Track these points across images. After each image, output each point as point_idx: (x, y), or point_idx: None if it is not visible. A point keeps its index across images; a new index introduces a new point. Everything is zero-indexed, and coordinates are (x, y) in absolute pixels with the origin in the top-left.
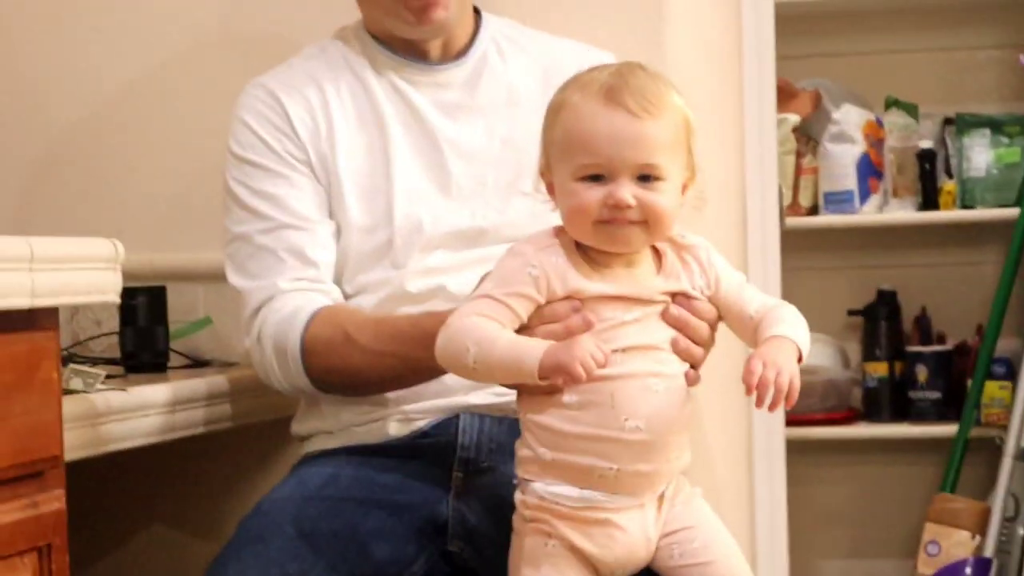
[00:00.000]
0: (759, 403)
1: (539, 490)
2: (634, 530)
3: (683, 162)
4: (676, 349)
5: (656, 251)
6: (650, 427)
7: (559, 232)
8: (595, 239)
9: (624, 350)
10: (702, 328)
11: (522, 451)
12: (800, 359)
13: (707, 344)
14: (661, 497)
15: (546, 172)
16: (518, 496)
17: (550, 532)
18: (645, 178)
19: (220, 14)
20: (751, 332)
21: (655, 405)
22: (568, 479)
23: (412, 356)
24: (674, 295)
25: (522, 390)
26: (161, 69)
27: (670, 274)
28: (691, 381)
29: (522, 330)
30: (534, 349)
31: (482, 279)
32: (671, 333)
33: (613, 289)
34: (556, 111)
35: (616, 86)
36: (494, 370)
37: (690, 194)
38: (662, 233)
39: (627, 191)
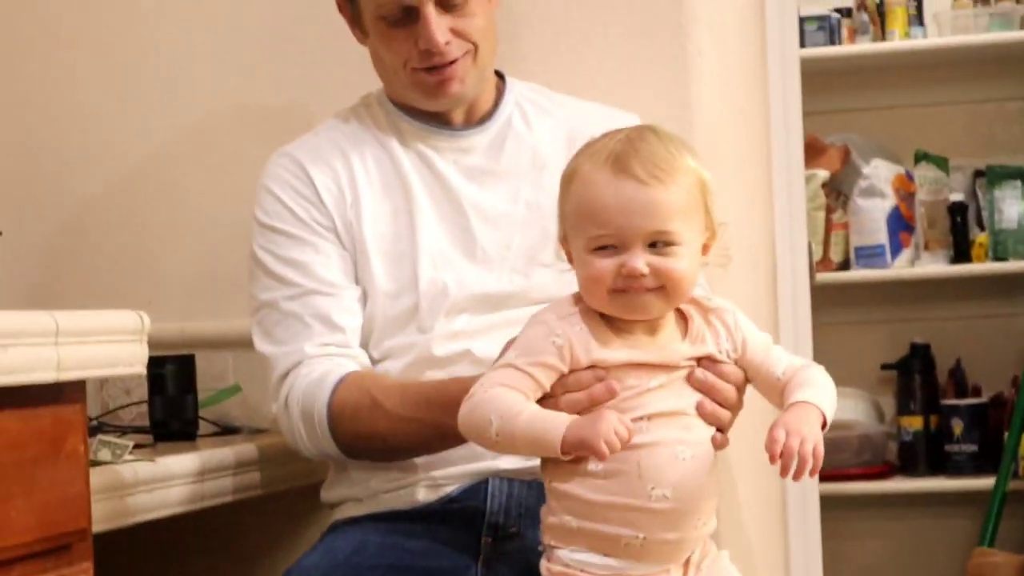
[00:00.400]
0: (783, 472)
1: (564, 557)
2: None
3: (700, 223)
4: (702, 413)
5: (682, 315)
6: (677, 495)
7: (580, 299)
8: (612, 308)
9: (649, 417)
10: (729, 391)
11: (548, 518)
12: (824, 425)
13: (735, 407)
14: (687, 562)
15: (564, 241)
16: (543, 564)
17: None
18: (659, 244)
19: (241, 86)
20: (779, 394)
21: (682, 473)
22: (594, 547)
23: (438, 422)
24: (700, 359)
25: (546, 458)
26: (184, 140)
27: (696, 338)
28: (718, 445)
29: (545, 399)
30: (557, 424)
31: (507, 345)
32: (697, 398)
33: (636, 356)
34: (568, 181)
35: (624, 153)
36: (517, 443)
37: (713, 252)
38: (680, 297)
39: (640, 260)
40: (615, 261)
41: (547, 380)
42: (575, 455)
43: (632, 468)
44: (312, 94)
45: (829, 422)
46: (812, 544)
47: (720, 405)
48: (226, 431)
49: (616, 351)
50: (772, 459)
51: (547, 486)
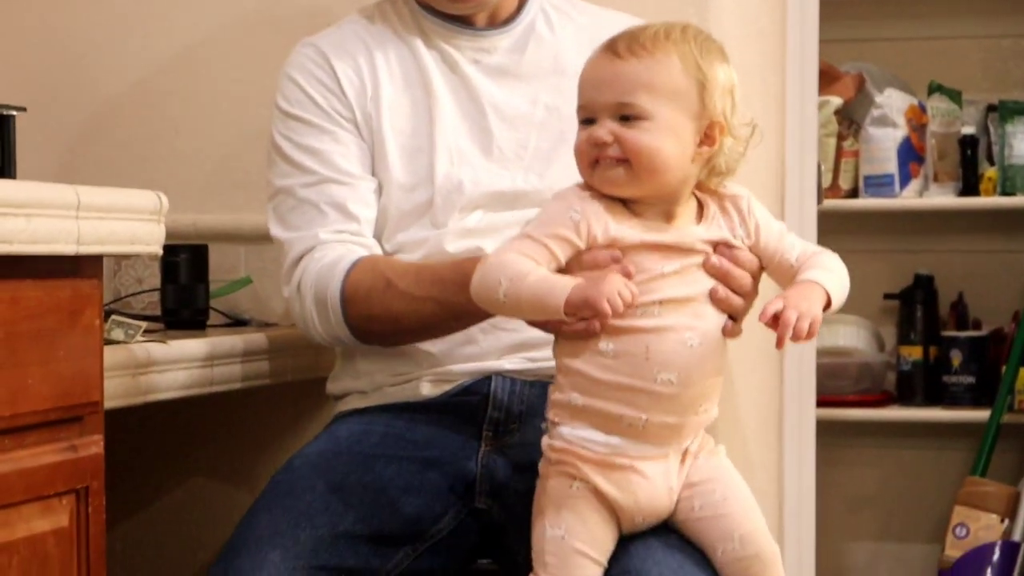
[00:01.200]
0: (779, 343)
1: (566, 434)
2: (657, 479)
3: (686, 108)
4: (715, 300)
5: (698, 202)
6: (682, 381)
7: None
8: (593, 181)
9: (661, 302)
10: (744, 278)
11: (554, 394)
12: (828, 306)
13: (749, 295)
14: (686, 451)
15: None
16: (545, 440)
17: (575, 475)
18: (626, 118)
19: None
20: (792, 280)
21: (688, 359)
22: (596, 425)
23: (453, 301)
24: (715, 244)
25: (560, 334)
26: (206, 38)
27: (711, 223)
28: (730, 333)
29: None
30: (563, 284)
31: (526, 224)
32: (711, 284)
33: (653, 237)
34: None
35: (621, 35)
36: (522, 304)
37: (727, 146)
38: (650, 175)
39: (603, 128)
40: (587, 132)
41: (562, 253)
42: (579, 316)
43: (640, 350)
44: (323, 2)
45: (835, 305)
46: (806, 468)
47: (734, 292)
48: (236, 322)
49: (632, 230)
50: (763, 317)
51: (557, 362)
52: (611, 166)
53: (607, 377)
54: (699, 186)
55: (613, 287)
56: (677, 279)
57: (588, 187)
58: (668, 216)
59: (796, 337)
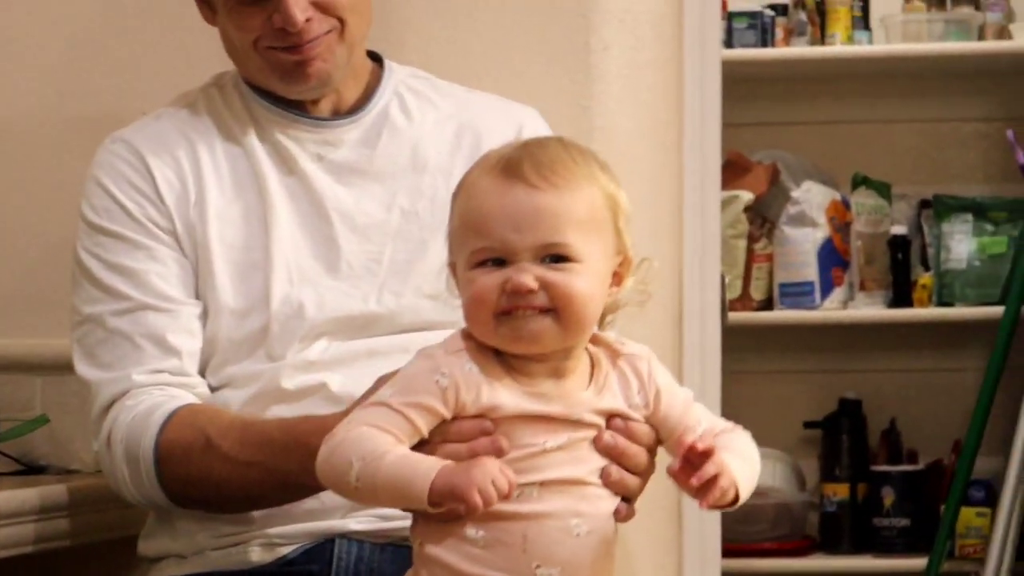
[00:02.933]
0: (695, 484)
1: None
2: None
3: (606, 245)
4: (608, 482)
5: (588, 358)
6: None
7: (469, 335)
8: (497, 336)
9: (543, 483)
10: (640, 455)
11: None
12: (735, 500)
13: (645, 473)
14: None
15: (453, 269)
16: None
17: None
18: (554, 259)
19: (75, 81)
20: None
21: (574, 551)
22: None
23: (280, 468)
24: (609, 416)
25: (419, 515)
26: (2, 137)
27: (603, 388)
28: (622, 517)
29: (421, 447)
30: (426, 469)
31: (378, 381)
32: (601, 463)
33: (534, 407)
34: (456, 194)
35: (517, 158)
36: (379, 491)
37: (628, 286)
38: (578, 326)
39: (528, 274)
40: (500, 276)
41: (425, 425)
42: (446, 508)
43: (516, 540)
44: (127, 101)
45: (741, 501)
46: None
47: (629, 471)
48: (30, 470)
49: (510, 398)
50: (683, 450)
51: (415, 549)
52: (532, 317)
53: (475, 570)
54: (593, 338)
55: (486, 475)
56: (563, 456)
57: (462, 343)
58: (557, 374)
59: (707, 488)
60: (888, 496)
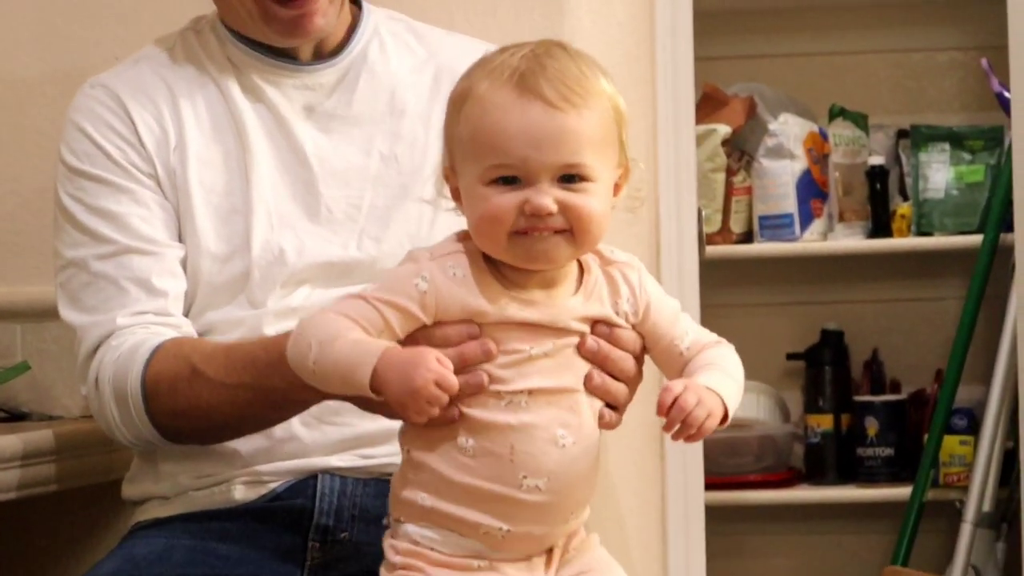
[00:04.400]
0: (668, 426)
1: (412, 533)
2: None
3: (614, 159)
4: (590, 387)
5: (579, 265)
6: (551, 487)
7: (465, 238)
8: (510, 254)
9: (529, 392)
10: (625, 360)
11: (400, 490)
12: (725, 418)
13: (632, 380)
14: (551, 548)
15: (450, 175)
16: (387, 541)
17: None
18: (569, 179)
19: (49, 27)
20: (679, 371)
21: (559, 462)
22: (448, 528)
23: (267, 386)
24: (594, 323)
25: (408, 420)
26: None
27: (591, 295)
28: (606, 424)
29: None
30: (370, 354)
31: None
32: (587, 370)
33: (522, 315)
34: (460, 102)
35: (530, 71)
36: (329, 375)
37: (623, 194)
38: (591, 244)
39: (548, 196)
40: (518, 197)
41: (398, 325)
42: (392, 399)
43: (504, 451)
44: (104, 48)
45: (731, 417)
46: (695, 563)
47: (615, 377)
48: (12, 417)
49: (498, 306)
50: (660, 409)
51: (404, 452)
52: (548, 238)
53: (463, 479)
54: None
55: (427, 375)
56: (549, 364)
57: (453, 246)
58: (547, 282)
59: (687, 426)
60: (872, 426)
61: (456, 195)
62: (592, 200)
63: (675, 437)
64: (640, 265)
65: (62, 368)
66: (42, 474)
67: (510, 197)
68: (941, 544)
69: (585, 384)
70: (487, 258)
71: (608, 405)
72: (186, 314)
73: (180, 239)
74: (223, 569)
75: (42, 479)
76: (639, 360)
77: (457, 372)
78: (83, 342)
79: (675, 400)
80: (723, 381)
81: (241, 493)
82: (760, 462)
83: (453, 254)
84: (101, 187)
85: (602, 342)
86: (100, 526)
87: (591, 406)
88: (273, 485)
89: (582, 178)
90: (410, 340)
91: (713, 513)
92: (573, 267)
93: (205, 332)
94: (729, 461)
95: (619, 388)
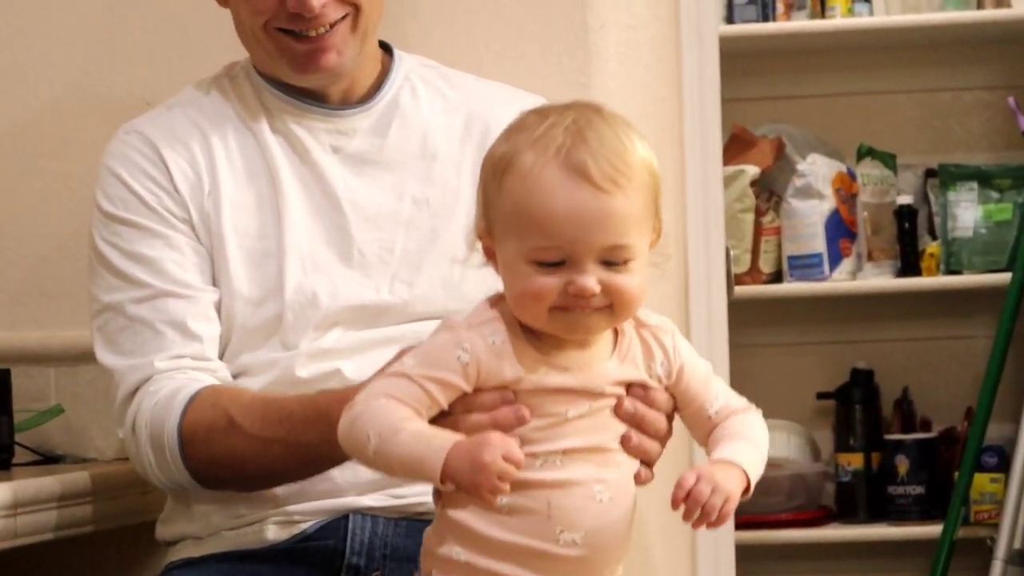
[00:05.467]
0: (686, 517)
1: None
2: None
3: (651, 228)
4: (628, 447)
5: (614, 328)
6: (588, 541)
7: (498, 302)
8: (551, 327)
9: (565, 452)
10: (659, 421)
11: (434, 547)
12: (747, 491)
13: (664, 438)
14: None
15: (485, 236)
16: None
17: None
18: (612, 258)
19: (82, 72)
20: (706, 434)
21: (597, 516)
22: None
23: (302, 442)
24: (629, 386)
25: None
26: (14, 128)
27: (626, 358)
28: (642, 480)
29: (442, 417)
30: (437, 448)
31: (400, 352)
32: (622, 430)
33: (559, 382)
34: (501, 171)
35: (575, 148)
36: (394, 467)
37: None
38: (630, 316)
39: (592, 278)
40: (561, 278)
41: (444, 399)
42: (463, 489)
43: (541, 507)
44: (160, 88)
45: (752, 487)
46: None
47: (648, 436)
48: (47, 460)
49: (535, 373)
50: (674, 503)
51: (438, 511)
52: (589, 314)
53: (500, 535)
54: None
55: (496, 452)
56: (584, 423)
57: (488, 314)
58: (583, 344)
59: (706, 515)
60: (902, 464)
61: (490, 255)
62: (634, 279)
63: (695, 526)
64: (674, 328)
65: (96, 411)
66: (78, 515)
67: (554, 280)
68: None
69: (623, 445)
70: (523, 324)
71: (640, 461)
72: (220, 357)
73: (214, 283)
74: None
75: (78, 520)
76: (670, 418)
77: None
78: (120, 385)
79: (689, 492)
80: (746, 452)
81: (273, 533)
82: (791, 501)
83: (490, 322)
84: (136, 232)
85: (639, 404)
86: (135, 567)
87: (626, 462)
88: (305, 525)
89: (625, 259)
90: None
91: (744, 552)
92: (609, 331)
93: (239, 374)
94: (760, 500)
95: (653, 446)
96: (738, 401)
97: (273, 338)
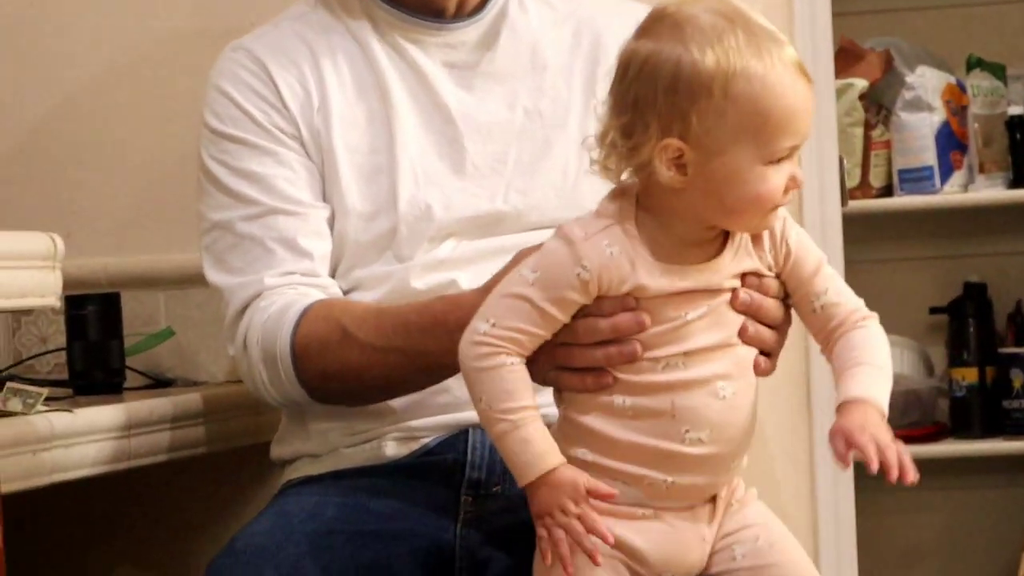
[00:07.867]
0: (889, 476)
1: None
2: (685, 529)
3: None
4: (745, 338)
5: None
6: (714, 438)
7: (619, 209)
8: (763, 224)
9: (687, 353)
10: (776, 308)
11: (561, 447)
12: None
13: (781, 326)
14: (714, 497)
15: (686, 151)
16: None
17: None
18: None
19: (193, 5)
20: (816, 329)
21: (721, 412)
22: (611, 478)
23: (420, 350)
24: (744, 276)
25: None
26: (112, 67)
27: (739, 249)
28: (762, 371)
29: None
30: (535, 467)
31: (518, 255)
32: (740, 321)
33: (679, 285)
34: (726, 81)
35: (780, 47)
36: (494, 436)
37: None
38: None
39: (799, 168)
40: (785, 173)
41: (566, 315)
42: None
43: (665, 408)
44: (242, 13)
45: (885, 415)
46: (845, 521)
47: (765, 325)
48: (158, 383)
49: (657, 278)
50: (842, 460)
51: (560, 412)
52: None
53: (625, 437)
54: None
55: (571, 507)
56: (705, 324)
57: (605, 221)
58: (698, 243)
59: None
60: (1017, 378)
61: (677, 166)
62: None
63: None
64: (785, 214)
65: (206, 334)
66: (191, 436)
67: (781, 175)
68: None
69: (740, 335)
70: (640, 227)
71: (761, 352)
72: (332, 274)
73: (325, 200)
74: (376, 524)
75: (191, 441)
76: (786, 305)
77: (612, 343)
78: (230, 303)
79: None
80: (876, 381)
81: (392, 449)
82: (905, 417)
83: (606, 230)
84: (245, 149)
85: (754, 294)
86: (249, 489)
87: (747, 355)
88: (425, 440)
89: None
90: None
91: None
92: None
93: (352, 288)
94: None
95: (771, 335)
96: (850, 302)
97: (387, 252)
